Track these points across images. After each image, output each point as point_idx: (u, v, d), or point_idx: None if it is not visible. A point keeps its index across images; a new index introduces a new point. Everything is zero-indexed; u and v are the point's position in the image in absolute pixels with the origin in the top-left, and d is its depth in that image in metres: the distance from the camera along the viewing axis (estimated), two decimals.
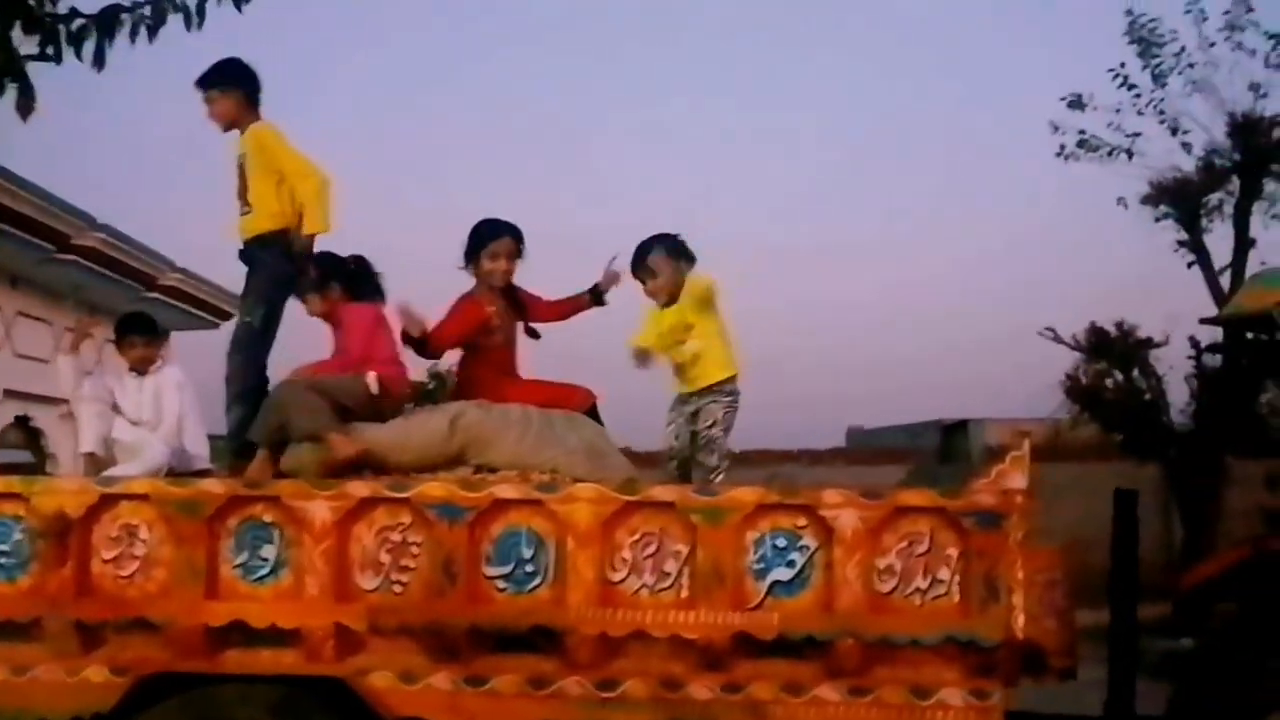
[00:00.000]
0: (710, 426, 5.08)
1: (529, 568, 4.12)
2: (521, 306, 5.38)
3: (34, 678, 4.21)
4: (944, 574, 4.06)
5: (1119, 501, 4.87)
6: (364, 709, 4.12)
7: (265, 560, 4.19)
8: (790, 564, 4.09)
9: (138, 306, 12.26)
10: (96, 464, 6.36)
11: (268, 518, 4.19)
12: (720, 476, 4.85)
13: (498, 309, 5.22)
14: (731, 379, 5.15)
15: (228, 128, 5.32)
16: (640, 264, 5.25)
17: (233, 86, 5.23)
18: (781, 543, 4.09)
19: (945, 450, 5.77)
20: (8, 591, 4.23)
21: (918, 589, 4.07)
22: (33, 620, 4.19)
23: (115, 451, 6.68)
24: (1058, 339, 14.71)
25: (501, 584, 4.12)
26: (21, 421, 12.18)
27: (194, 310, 13.55)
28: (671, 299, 5.18)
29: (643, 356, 5.09)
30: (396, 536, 4.16)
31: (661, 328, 5.15)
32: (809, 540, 4.08)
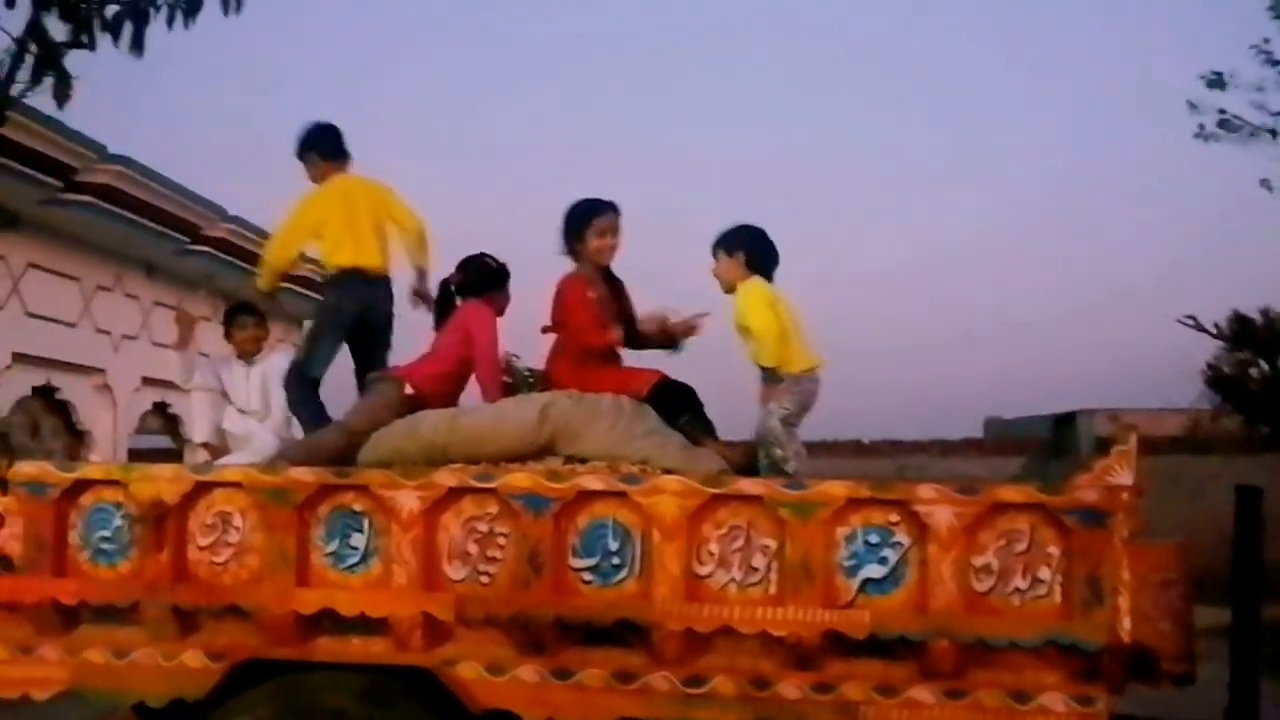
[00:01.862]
0: (766, 418, 4.84)
1: (615, 560, 4.06)
2: (622, 291, 5.31)
3: (133, 661, 4.29)
4: (1044, 573, 3.90)
5: (1240, 498, 4.63)
6: (450, 700, 4.11)
7: (355, 549, 4.21)
8: (883, 561, 3.97)
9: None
10: (213, 454, 6.51)
11: (357, 506, 4.20)
12: (791, 467, 4.70)
13: (600, 292, 5.14)
14: (792, 375, 4.91)
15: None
16: (713, 249, 5.12)
17: (309, 151, 5.76)
18: (874, 539, 3.97)
19: (1056, 443, 5.57)
20: (109, 576, 4.33)
21: (1017, 589, 3.91)
22: (132, 605, 4.27)
23: (228, 441, 6.83)
24: (1199, 327, 14.21)
25: (587, 576, 4.08)
26: (160, 407, 12.61)
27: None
28: (729, 290, 5.05)
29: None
30: (483, 527, 4.14)
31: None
32: (902, 537, 3.95)
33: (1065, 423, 5.35)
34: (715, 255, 5.07)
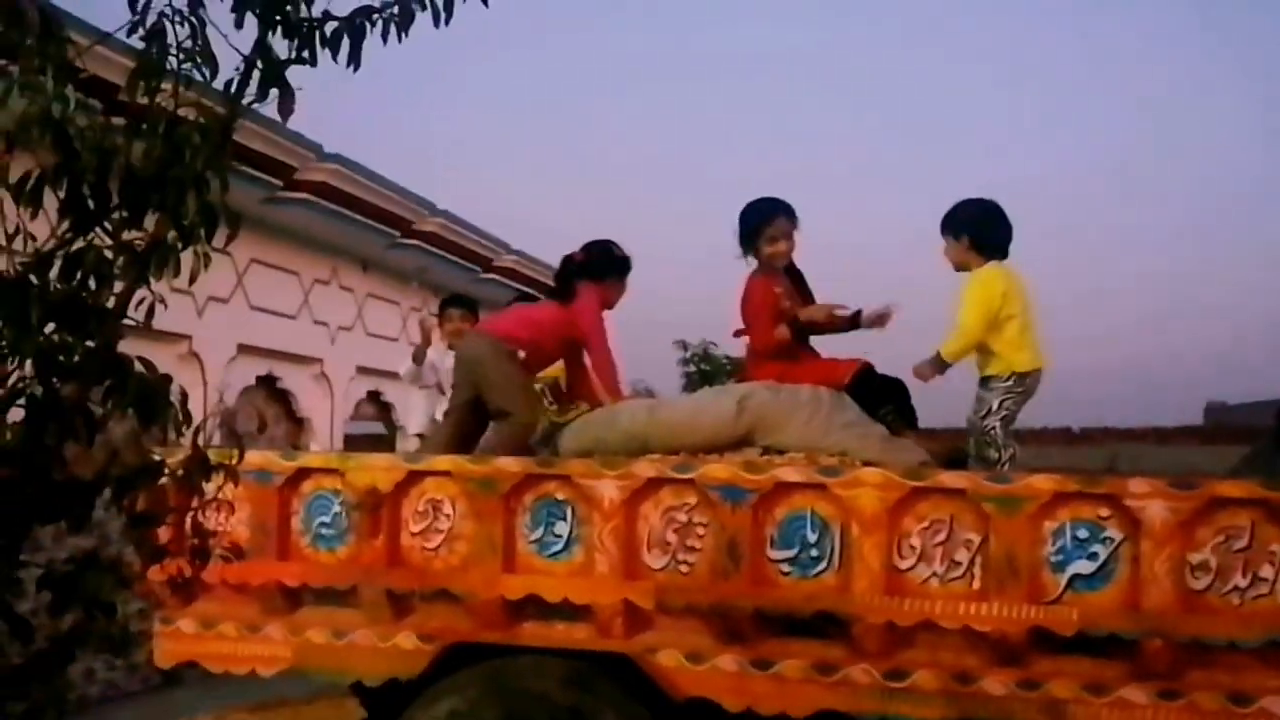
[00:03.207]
0: (983, 416, 4.71)
1: (813, 552, 4.05)
2: (807, 288, 5.31)
3: (352, 642, 4.50)
4: (1267, 572, 3.71)
5: None
6: (651, 687, 4.18)
7: (559, 536, 4.31)
8: (1092, 556, 3.84)
9: (475, 288, 13.03)
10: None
11: (560, 495, 4.30)
12: (1006, 468, 4.58)
13: (784, 289, 5.17)
14: (1015, 374, 4.73)
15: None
16: (942, 231, 4.97)
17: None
18: (1083, 534, 3.85)
19: (1279, 435, 5.28)
20: (328, 560, 4.54)
21: (1236, 587, 3.74)
22: (350, 588, 4.47)
23: None
24: None
25: (786, 567, 4.07)
26: (373, 395, 13.14)
27: (530, 290, 14.14)
28: (962, 270, 4.90)
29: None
30: (682, 516, 4.19)
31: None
32: (1113, 532, 3.82)
33: None
34: (944, 237, 4.92)
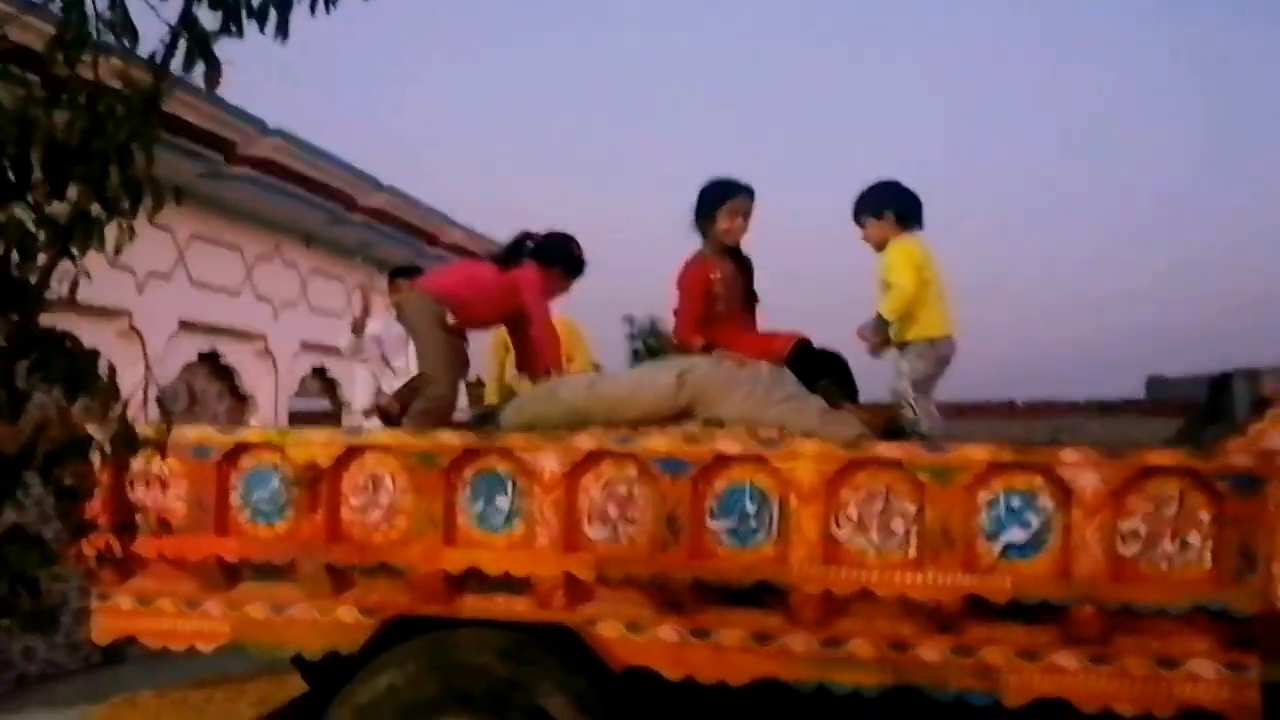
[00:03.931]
0: (899, 379, 4.86)
1: (752, 523, 4.08)
2: (749, 269, 5.35)
3: (291, 616, 4.48)
4: (1195, 539, 3.79)
5: None
6: (591, 658, 4.20)
7: (499, 510, 4.31)
8: (1025, 525, 3.90)
9: (421, 264, 12.96)
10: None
11: (501, 469, 4.30)
12: (923, 427, 4.66)
13: (723, 274, 5.20)
14: (928, 339, 4.90)
15: None
16: (855, 215, 5.11)
17: None
18: (1016, 503, 3.91)
19: (1212, 405, 5.37)
20: (267, 535, 4.51)
21: (1165, 555, 3.81)
22: (289, 562, 4.45)
23: None
24: None
25: (725, 539, 4.11)
26: (319, 372, 13.04)
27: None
28: (881, 249, 5.02)
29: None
30: (623, 489, 4.20)
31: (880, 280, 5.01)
32: (1046, 501, 3.88)
33: (1221, 384, 5.09)
34: (860, 222, 5.05)
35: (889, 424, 4.73)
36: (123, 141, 2.07)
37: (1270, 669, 3.82)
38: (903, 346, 4.93)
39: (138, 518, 2.54)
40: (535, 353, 5.55)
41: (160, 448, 2.38)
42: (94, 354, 2.28)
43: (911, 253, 4.95)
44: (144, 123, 2.14)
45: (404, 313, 5.55)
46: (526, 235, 5.62)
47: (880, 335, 4.89)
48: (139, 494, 4.16)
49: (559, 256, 5.56)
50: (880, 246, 5.03)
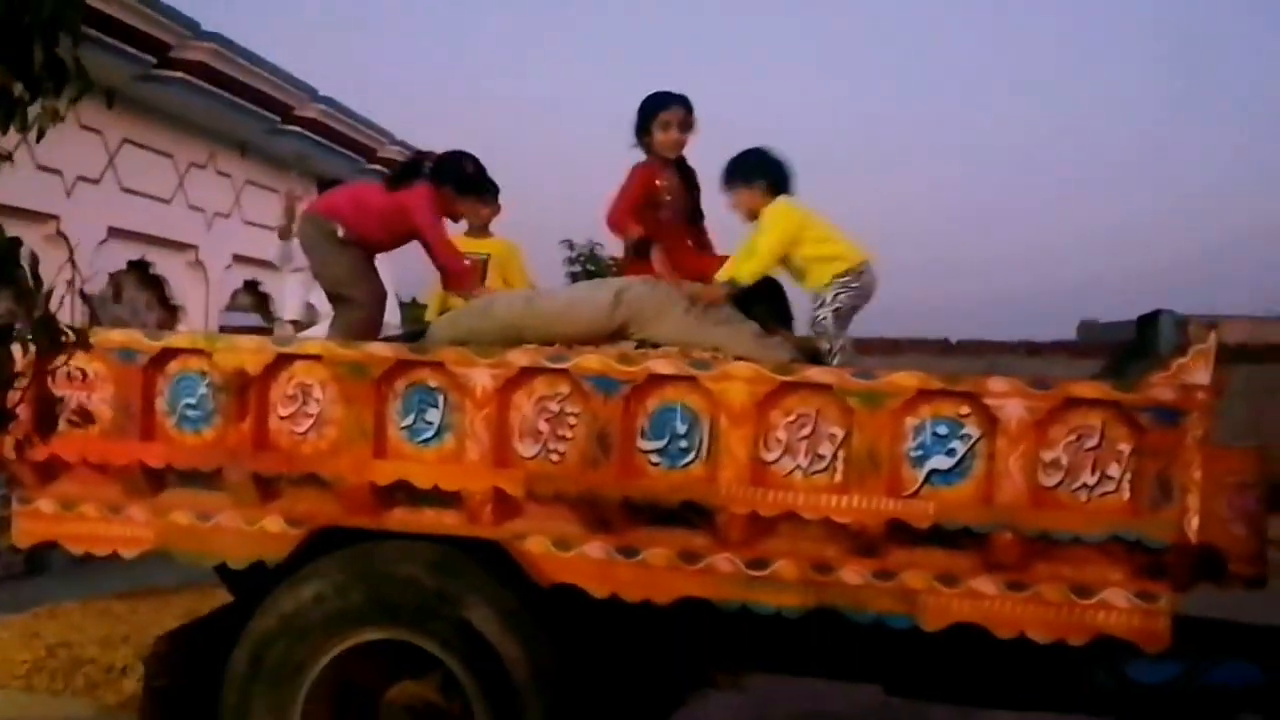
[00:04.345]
0: (817, 308, 4.81)
1: (683, 444, 4.10)
2: (695, 185, 5.33)
3: (217, 525, 4.45)
4: (1114, 470, 3.87)
5: None
6: (518, 573, 4.22)
7: (430, 424, 4.29)
8: (950, 452, 3.96)
9: (359, 179, 12.78)
10: (300, 330, 6.70)
11: (433, 382, 4.28)
12: (836, 361, 4.68)
13: (668, 181, 5.18)
14: (852, 268, 4.85)
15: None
16: (724, 184, 5.03)
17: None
18: (942, 430, 3.96)
19: (1138, 343, 5.47)
20: (194, 442, 4.47)
21: (1085, 485, 3.89)
22: (215, 470, 4.41)
23: (316, 317, 7.01)
24: None
25: (655, 458, 4.12)
26: (251, 285, 12.88)
27: None
28: (753, 218, 4.97)
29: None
30: (554, 406, 4.20)
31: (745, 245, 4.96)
32: (971, 429, 3.94)
33: (1147, 322, 5.18)
34: (731, 189, 4.99)
35: (815, 354, 4.76)
36: (47, 18, 2.01)
37: (1181, 599, 3.93)
38: (825, 285, 4.85)
39: (59, 413, 2.48)
40: (441, 272, 5.50)
41: (82, 339, 2.34)
42: (15, 241, 2.23)
43: (790, 214, 4.88)
44: (69, 2, 2.07)
45: (299, 238, 5.47)
46: (421, 156, 5.52)
47: (725, 294, 4.75)
48: (63, 391, 4.08)
49: (451, 175, 5.46)
50: (751, 215, 4.96)
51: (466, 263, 5.63)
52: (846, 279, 4.83)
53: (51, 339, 2.26)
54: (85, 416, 2.66)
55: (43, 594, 8.60)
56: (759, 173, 4.96)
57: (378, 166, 14.03)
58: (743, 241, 4.98)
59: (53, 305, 2.37)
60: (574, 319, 4.62)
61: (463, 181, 5.53)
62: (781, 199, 4.93)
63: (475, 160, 5.59)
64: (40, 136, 2.15)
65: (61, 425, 2.48)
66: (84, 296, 2.52)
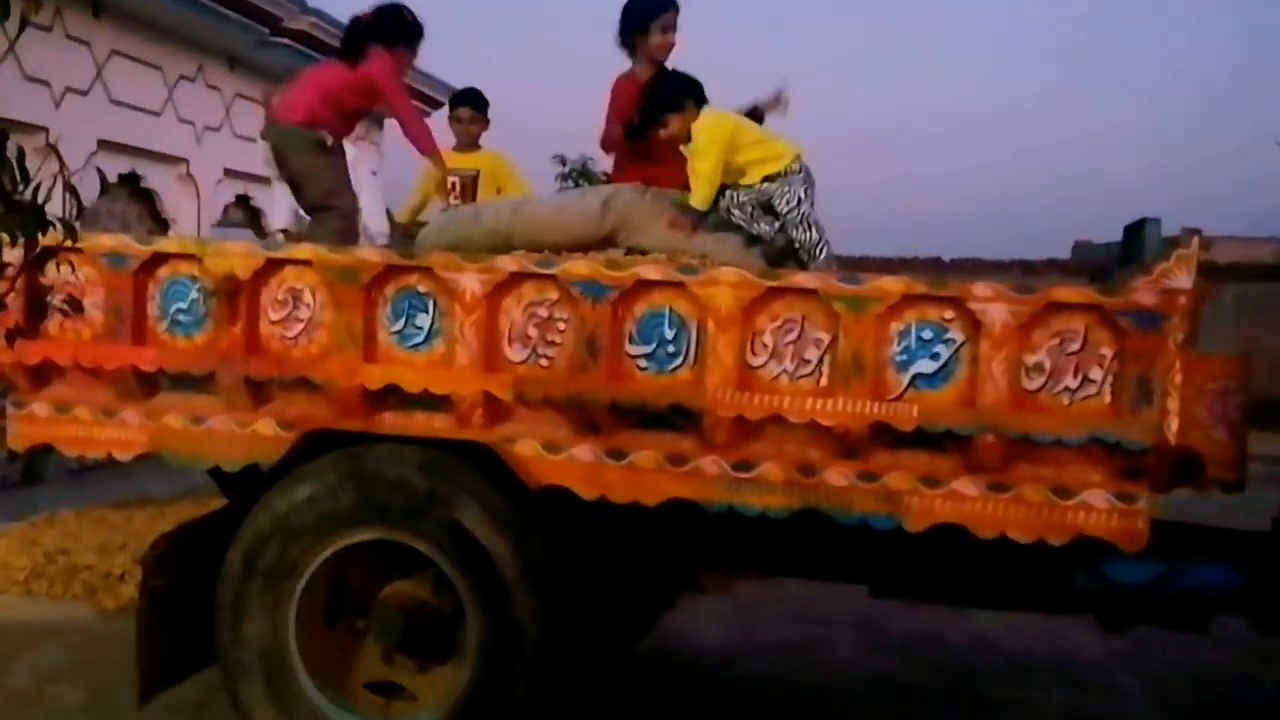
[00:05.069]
0: (794, 205, 4.74)
1: (670, 348, 4.14)
2: None
3: (209, 428, 4.50)
4: (1096, 374, 3.91)
5: None
6: (508, 476, 4.28)
7: (420, 328, 4.33)
8: (935, 356, 3.99)
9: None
10: (290, 240, 6.69)
11: (422, 287, 4.31)
12: (824, 251, 4.69)
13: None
14: (790, 165, 4.80)
15: None
16: (653, 122, 4.91)
17: None
18: (927, 334, 3.99)
19: (1125, 251, 5.50)
20: (185, 346, 4.51)
21: (1067, 388, 3.93)
22: (207, 374, 4.45)
23: (306, 227, 6.99)
24: None
25: (643, 363, 4.16)
26: (242, 200, 12.83)
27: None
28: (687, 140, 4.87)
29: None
30: (543, 312, 4.23)
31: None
32: (956, 333, 3.97)
33: (1135, 230, 5.19)
34: (663, 122, 4.86)
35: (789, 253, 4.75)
36: None
37: (1160, 501, 4.00)
38: (770, 181, 4.80)
39: (49, 303, 2.51)
40: (411, 139, 5.49)
41: (70, 229, 2.36)
42: (1, 133, 2.24)
43: (721, 125, 4.80)
44: None
45: (275, 149, 5.44)
46: (356, 21, 5.47)
47: (693, 225, 4.74)
48: (53, 285, 4.10)
49: (397, 31, 5.42)
50: (687, 138, 4.87)
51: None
52: (791, 175, 4.80)
53: (40, 229, 2.28)
54: (75, 306, 2.67)
55: (40, 503, 8.70)
56: (684, 94, 4.87)
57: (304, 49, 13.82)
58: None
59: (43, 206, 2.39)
60: (563, 226, 4.64)
61: (410, 33, 5.49)
62: (706, 111, 4.85)
63: (408, 8, 5.53)
64: (22, 27, 2.15)
65: (53, 317, 2.49)
66: (72, 191, 2.52)
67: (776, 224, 4.74)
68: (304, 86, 5.57)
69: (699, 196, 4.75)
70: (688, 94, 4.87)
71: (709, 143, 4.76)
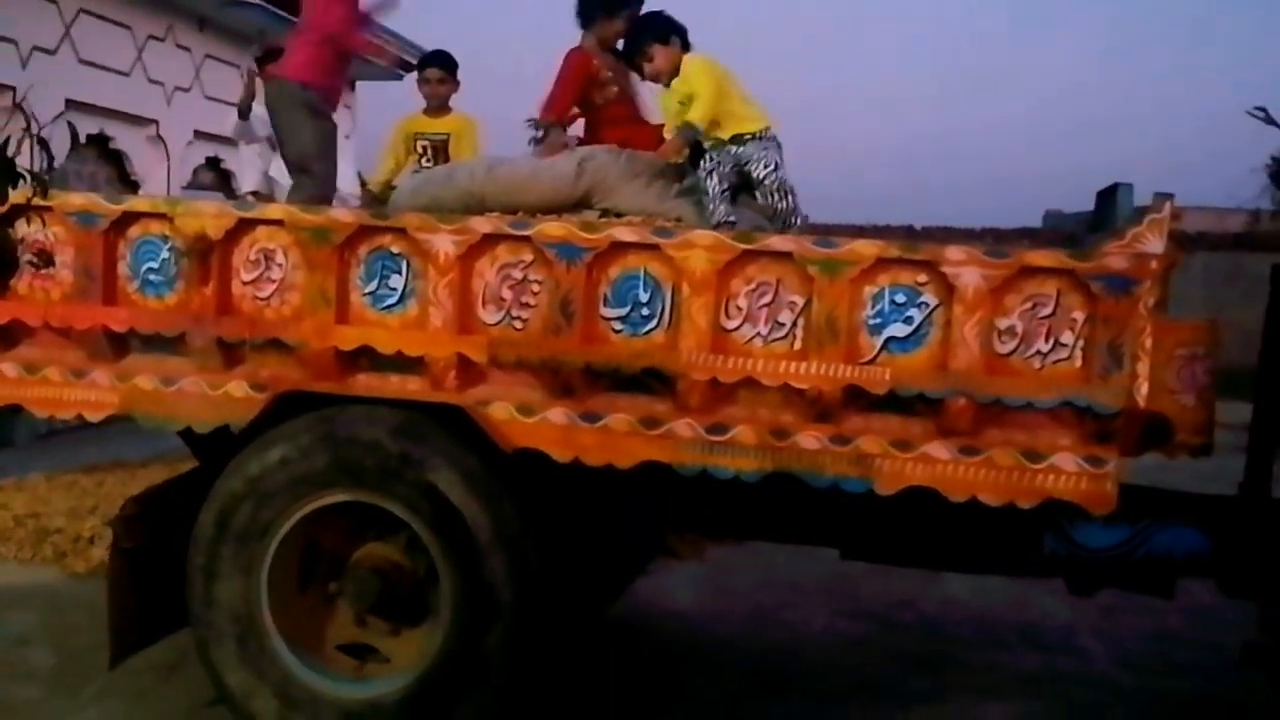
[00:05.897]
0: (771, 170, 4.84)
1: (645, 311, 4.14)
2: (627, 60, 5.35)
3: (181, 389, 4.47)
4: (1067, 338, 3.93)
5: (1275, 278, 4.58)
6: (482, 438, 4.27)
7: (393, 290, 4.31)
8: (908, 320, 4.01)
9: None
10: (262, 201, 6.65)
11: (395, 249, 4.29)
12: (799, 220, 4.72)
13: (606, 61, 5.19)
14: (766, 129, 4.93)
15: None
16: (636, 50, 5.04)
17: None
18: (900, 298, 4.00)
19: (1097, 217, 5.53)
20: (156, 307, 4.47)
21: (1038, 352, 3.95)
22: (179, 335, 4.42)
23: (275, 189, 6.96)
24: (1269, 120, 13.74)
25: (617, 325, 4.16)
26: (213, 162, 12.72)
27: (378, 61, 13.75)
28: (672, 79, 5.00)
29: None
30: (518, 274, 4.22)
31: (670, 106, 5.04)
32: (929, 297, 3.99)
33: (1108, 196, 5.22)
34: (647, 55, 4.98)
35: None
36: None
37: (1129, 465, 4.03)
38: (741, 141, 4.92)
39: (19, 255, 2.48)
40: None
41: (40, 182, 2.33)
42: None
43: (711, 64, 4.93)
44: None
45: (266, 103, 5.41)
46: None
47: (683, 144, 4.86)
48: (24, 239, 4.05)
49: None
50: (672, 73, 4.98)
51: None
52: (766, 139, 4.92)
53: (9, 181, 2.25)
54: (45, 259, 2.65)
55: (8, 467, 8.64)
56: (671, 30, 5.01)
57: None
58: (665, 100, 5.03)
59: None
60: (537, 188, 4.63)
61: None
62: (695, 54, 4.98)
63: None
64: None
65: (23, 275, 2.47)
66: (43, 144, 2.49)
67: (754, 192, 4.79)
68: (299, 46, 5.55)
69: (695, 114, 4.80)
70: (674, 31, 4.96)
71: (706, 74, 4.85)
